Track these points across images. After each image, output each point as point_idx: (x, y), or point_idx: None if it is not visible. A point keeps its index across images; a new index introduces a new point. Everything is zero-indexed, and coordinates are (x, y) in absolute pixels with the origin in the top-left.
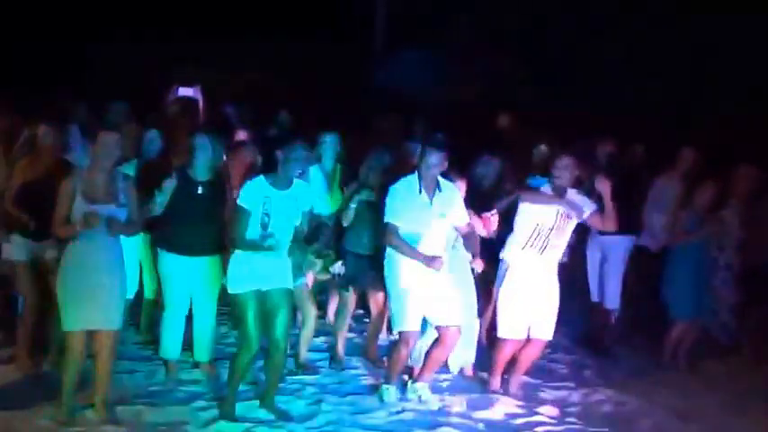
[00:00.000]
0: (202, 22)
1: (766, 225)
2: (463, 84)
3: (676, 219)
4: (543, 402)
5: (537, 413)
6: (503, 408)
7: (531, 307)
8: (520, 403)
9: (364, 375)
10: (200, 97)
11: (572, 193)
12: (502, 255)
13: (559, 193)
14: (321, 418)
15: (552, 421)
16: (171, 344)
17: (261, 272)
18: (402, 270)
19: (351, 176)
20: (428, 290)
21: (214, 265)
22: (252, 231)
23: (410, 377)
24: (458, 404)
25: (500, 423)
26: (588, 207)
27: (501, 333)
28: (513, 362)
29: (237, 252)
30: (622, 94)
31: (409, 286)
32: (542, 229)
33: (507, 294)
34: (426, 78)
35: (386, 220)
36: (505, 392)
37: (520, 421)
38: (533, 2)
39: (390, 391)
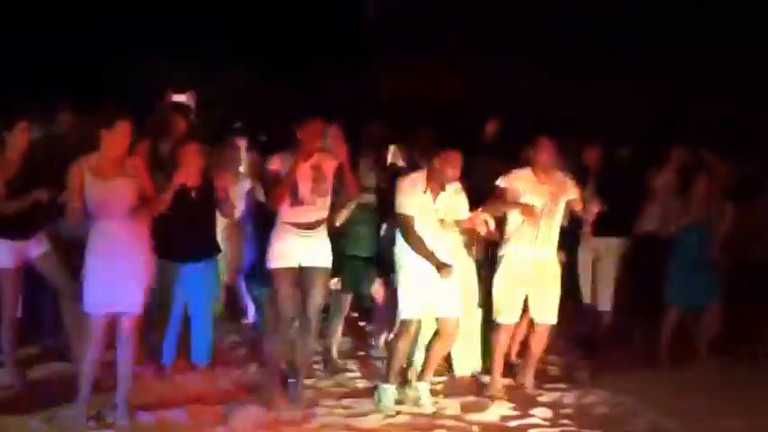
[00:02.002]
0: (192, 22)
1: (760, 223)
2: (454, 86)
3: (669, 208)
4: (537, 404)
5: (531, 415)
6: (497, 410)
7: (526, 292)
8: (513, 405)
9: (359, 378)
10: (192, 103)
11: (559, 176)
12: (498, 252)
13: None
14: (315, 422)
15: (546, 423)
16: (165, 347)
17: (296, 248)
18: (409, 259)
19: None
20: (432, 280)
21: (210, 267)
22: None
23: (404, 380)
24: (452, 407)
25: (494, 425)
26: (573, 191)
27: (495, 317)
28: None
29: (276, 229)
30: (617, 96)
31: (414, 275)
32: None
33: (500, 279)
34: (417, 81)
35: (398, 211)
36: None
37: (514, 423)
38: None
39: (389, 392)
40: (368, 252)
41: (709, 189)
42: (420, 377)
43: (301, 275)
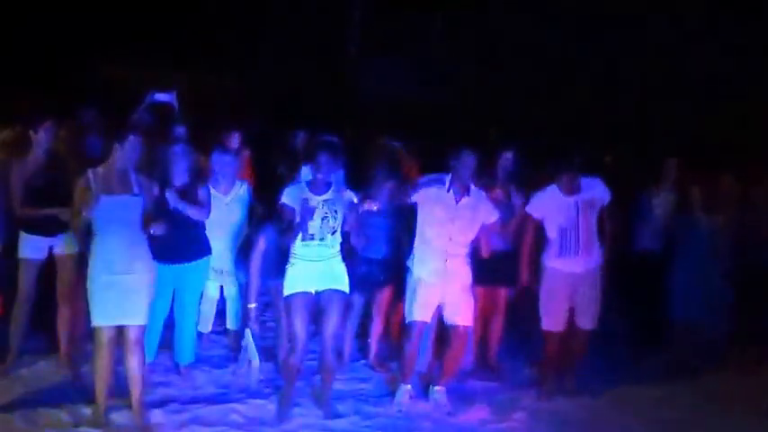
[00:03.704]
0: (177, 24)
1: (757, 228)
2: (436, 90)
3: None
4: (516, 408)
5: (509, 419)
6: (476, 413)
7: (571, 298)
8: (492, 409)
9: (339, 380)
10: (176, 103)
11: (588, 181)
12: (543, 260)
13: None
14: (294, 423)
15: (523, 427)
16: (147, 347)
17: (309, 274)
18: (421, 265)
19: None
20: (443, 287)
21: (197, 269)
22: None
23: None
24: (431, 409)
25: (473, 428)
26: (607, 192)
27: (544, 326)
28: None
29: (290, 256)
30: (600, 101)
31: (423, 280)
32: (569, 228)
33: (546, 289)
34: (400, 84)
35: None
36: (561, 390)
37: (492, 427)
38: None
39: (401, 391)
40: (380, 254)
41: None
42: (438, 382)
43: (318, 299)
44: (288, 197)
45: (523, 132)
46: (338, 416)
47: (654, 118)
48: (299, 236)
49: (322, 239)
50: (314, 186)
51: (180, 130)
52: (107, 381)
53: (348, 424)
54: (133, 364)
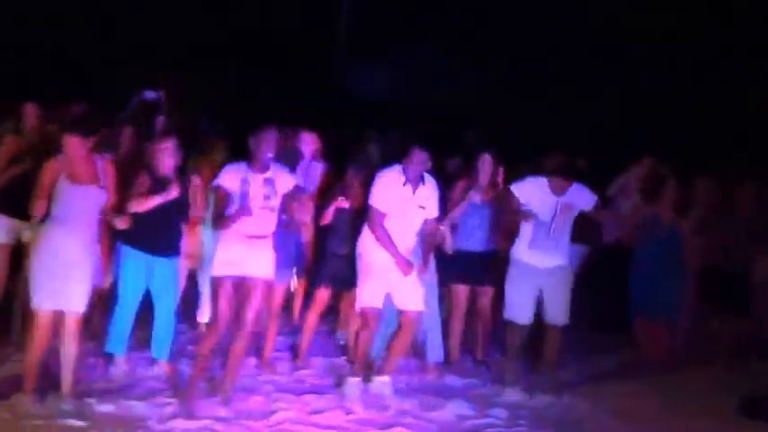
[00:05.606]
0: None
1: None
2: (426, 90)
3: (636, 211)
4: (493, 405)
5: (487, 415)
6: (454, 409)
7: (538, 293)
8: (471, 405)
9: (321, 374)
10: (164, 100)
11: (577, 188)
12: (512, 252)
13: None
14: (276, 417)
15: (501, 423)
16: (117, 338)
17: (239, 259)
18: (371, 249)
19: None
20: (393, 272)
21: (172, 264)
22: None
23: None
24: (411, 405)
25: (452, 424)
26: (591, 200)
27: (507, 315)
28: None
29: (222, 238)
30: (594, 107)
31: (374, 265)
32: (544, 224)
33: (512, 279)
34: (390, 84)
35: (370, 202)
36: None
37: (470, 423)
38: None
39: (353, 384)
40: (348, 250)
41: (677, 199)
42: (381, 371)
43: (243, 282)
44: (224, 178)
45: (506, 134)
46: (320, 410)
47: (639, 121)
48: (236, 213)
49: (260, 217)
50: (253, 165)
51: (160, 118)
52: (38, 365)
53: (329, 418)
54: (70, 350)
